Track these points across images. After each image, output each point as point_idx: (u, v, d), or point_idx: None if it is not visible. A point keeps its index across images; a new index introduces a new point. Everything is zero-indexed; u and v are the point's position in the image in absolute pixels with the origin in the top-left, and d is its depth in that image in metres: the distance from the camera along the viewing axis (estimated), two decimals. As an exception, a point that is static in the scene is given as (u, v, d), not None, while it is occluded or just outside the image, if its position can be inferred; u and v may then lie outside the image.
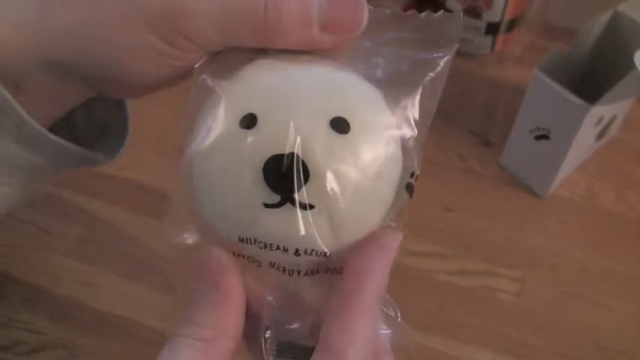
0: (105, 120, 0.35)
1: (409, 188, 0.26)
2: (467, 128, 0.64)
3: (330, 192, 0.23)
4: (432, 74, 0.26)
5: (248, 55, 0.26)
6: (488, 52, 0.68)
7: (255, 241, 0.24)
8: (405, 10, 0.27)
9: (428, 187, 0.59)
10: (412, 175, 0.26)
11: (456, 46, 0.26)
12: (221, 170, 0.24)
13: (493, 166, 0.61)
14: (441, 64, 0.26)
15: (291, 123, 0.23)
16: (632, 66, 0.46)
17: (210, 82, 0.25)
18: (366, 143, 0.24)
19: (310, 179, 0.23)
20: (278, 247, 0.24)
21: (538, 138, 0.55)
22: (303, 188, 0.23)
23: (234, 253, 0.25)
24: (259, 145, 0.23)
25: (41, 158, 0.31)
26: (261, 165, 0.23)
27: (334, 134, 0.23)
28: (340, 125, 0.24)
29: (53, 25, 0.27)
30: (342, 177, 0.23)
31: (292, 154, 0.23)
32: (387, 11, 0.27)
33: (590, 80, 0.57)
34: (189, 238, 0.26)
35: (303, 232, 0.23)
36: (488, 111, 0.65)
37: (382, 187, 0.25)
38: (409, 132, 0.26)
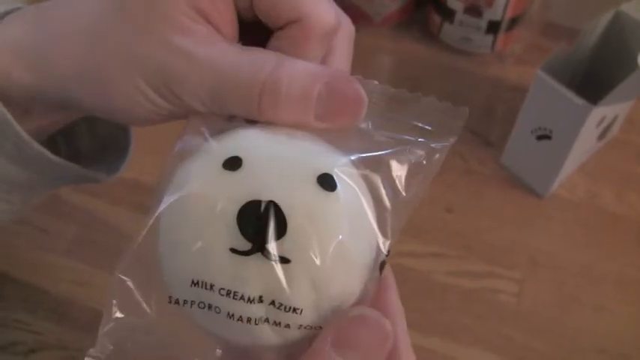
0: (107, 136, 0.35)
1: (382, 266, 0.25)
2: (467, 128, 0.63)
3: (309, 248, 0.22)
4: (424, 162, 0.25)
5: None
6: (489, 51, 0.68)
7: (211, 287, 0.22)
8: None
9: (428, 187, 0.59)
10: (388, 253, 0.24)
11: (454, 139, 0.26)
12: (194, 209, 0.23)
13: (494, 166, 0.61)
14: (436, 154, 0.26)
15: (278, 171, 0.23)
16: (635, 66, 0.45)
17: (205, 131, 0.25)
18: (353, 203, 0.23)
19: (289, 232, 0.22)
20: (242, 297, 0.22)
21: (540, 138, 0.55)
22: (275, 242, 0.22)
23: (172, 300, 0.23)
24: (239, 188, 0.22)
25: (40, 177, 0.31)
26: (237, 208, 0.22)
27: (320, 190, 0.23)
28: (327, 182, 0.23)
29: (51, 58, 0.27)
30: (324, 234, 0.22)
31: (271, 202, 0.22)
32: (392, 90, 0.26)
33: (592, 80, 0.57)
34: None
35: (281, 285, 0.22)
36: (489, 110, 0.65)
37: (365, 250, 0.24)
38: (389, 211, 0.25)
